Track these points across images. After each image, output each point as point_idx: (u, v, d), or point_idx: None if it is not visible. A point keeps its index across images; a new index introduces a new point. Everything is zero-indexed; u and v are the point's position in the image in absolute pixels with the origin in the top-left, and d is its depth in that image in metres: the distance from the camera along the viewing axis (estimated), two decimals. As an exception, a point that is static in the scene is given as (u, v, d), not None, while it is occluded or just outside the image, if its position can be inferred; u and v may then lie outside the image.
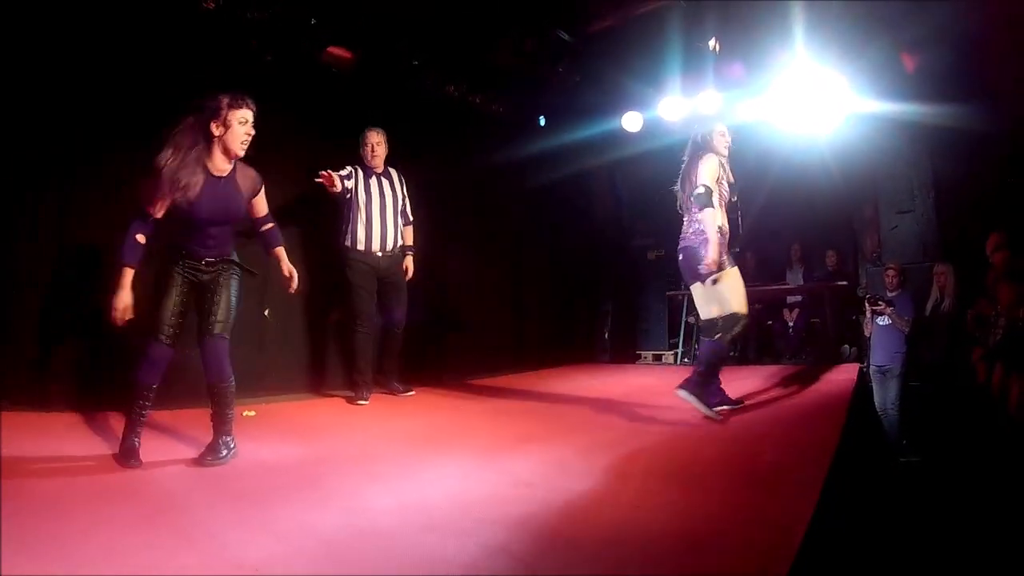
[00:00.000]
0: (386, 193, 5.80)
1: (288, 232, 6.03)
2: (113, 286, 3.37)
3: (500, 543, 2.32)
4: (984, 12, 5.90)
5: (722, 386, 4.95)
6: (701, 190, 4.69)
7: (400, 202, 5.90)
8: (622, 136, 8.74)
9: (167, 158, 3.30)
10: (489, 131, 8.28)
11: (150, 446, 3.46)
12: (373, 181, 5.78)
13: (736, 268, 4.83)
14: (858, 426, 5.05)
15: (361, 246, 5.68)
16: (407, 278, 5.94)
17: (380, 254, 5.73)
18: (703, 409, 4.59)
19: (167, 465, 3.27)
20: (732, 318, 4.70)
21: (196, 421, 4.44)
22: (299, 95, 6.10)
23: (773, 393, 5.86)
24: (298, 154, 5.97)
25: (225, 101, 3.43)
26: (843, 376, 6.54)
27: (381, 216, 5.74)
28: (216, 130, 3.41)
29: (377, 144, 5.76)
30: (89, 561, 2.01)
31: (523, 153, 8.52)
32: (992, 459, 4.51)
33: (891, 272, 7.19)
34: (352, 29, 6.28)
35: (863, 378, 6.91)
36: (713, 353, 4.76)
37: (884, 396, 7.03)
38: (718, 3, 6.71)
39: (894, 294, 7.08)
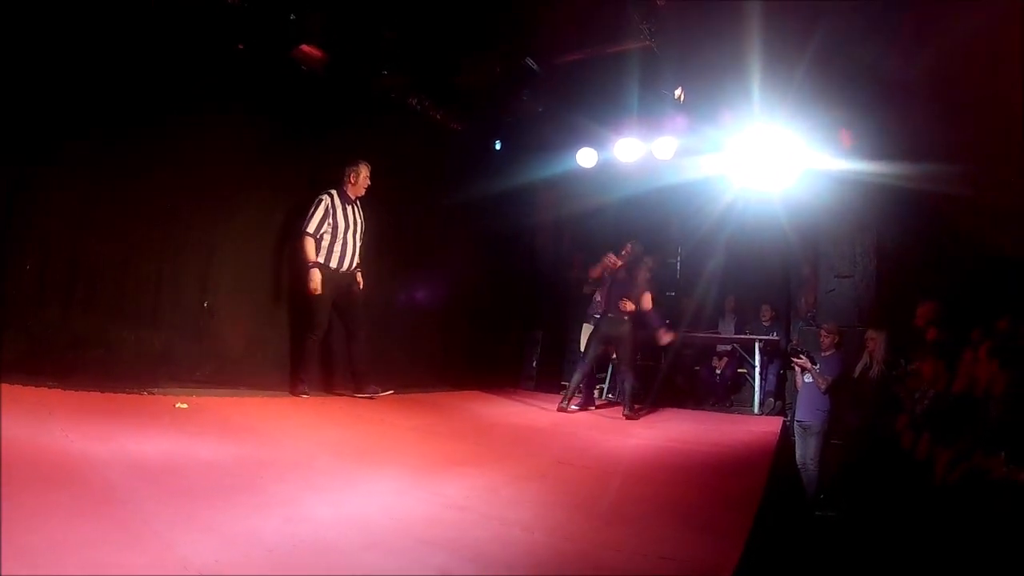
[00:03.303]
0: (356, 219, 6.40)
1: (238, 228, 6.08)
2: None
3: (440, 565, 2.33)
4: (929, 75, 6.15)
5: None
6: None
7: (362, 227, 6.47)
8: (573, 170, 8.91)
9: None
10: (443, 147, 8.34)
11: (89, 431, 3.37)
12: (349, 208, 6.35)
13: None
14: (780, 478, 5.24)
15: (333, 263, 6.22)
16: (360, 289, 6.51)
17: (342, 271, 6.30)
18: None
19: (108, 453, 3.16)
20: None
21: (136, 406, 4.36)
22: (265, 88, 6.21)
23: (701, 439, 6.01)
24: (252, 145, 6.20)
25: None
26: (767, 428, 6.75)
27: (352, 239, 6.35)
28: None
29: (366, 177, 6.42)
30: (35, 554, 1.94)
31: (474, 175, 8.57)
32: (910, 519, 4.70)
33: (824, 332, 7.44)
34: (326, 29, 6.33)
35: (786, 431, 7.13)
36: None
37: (804, 451, 7.27)
38: (683, 53, 6.89)
39: (827, 354, 7.32)
